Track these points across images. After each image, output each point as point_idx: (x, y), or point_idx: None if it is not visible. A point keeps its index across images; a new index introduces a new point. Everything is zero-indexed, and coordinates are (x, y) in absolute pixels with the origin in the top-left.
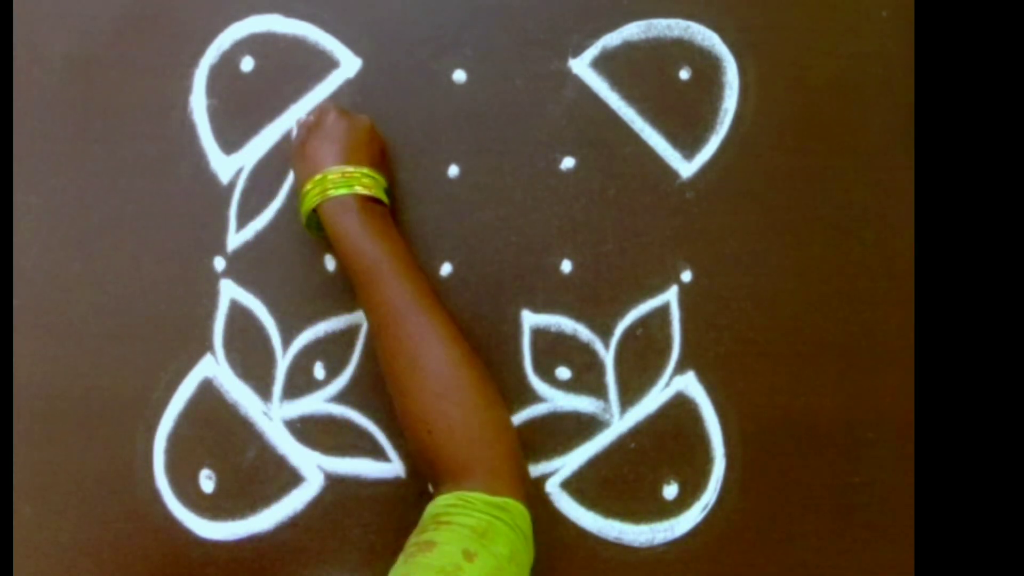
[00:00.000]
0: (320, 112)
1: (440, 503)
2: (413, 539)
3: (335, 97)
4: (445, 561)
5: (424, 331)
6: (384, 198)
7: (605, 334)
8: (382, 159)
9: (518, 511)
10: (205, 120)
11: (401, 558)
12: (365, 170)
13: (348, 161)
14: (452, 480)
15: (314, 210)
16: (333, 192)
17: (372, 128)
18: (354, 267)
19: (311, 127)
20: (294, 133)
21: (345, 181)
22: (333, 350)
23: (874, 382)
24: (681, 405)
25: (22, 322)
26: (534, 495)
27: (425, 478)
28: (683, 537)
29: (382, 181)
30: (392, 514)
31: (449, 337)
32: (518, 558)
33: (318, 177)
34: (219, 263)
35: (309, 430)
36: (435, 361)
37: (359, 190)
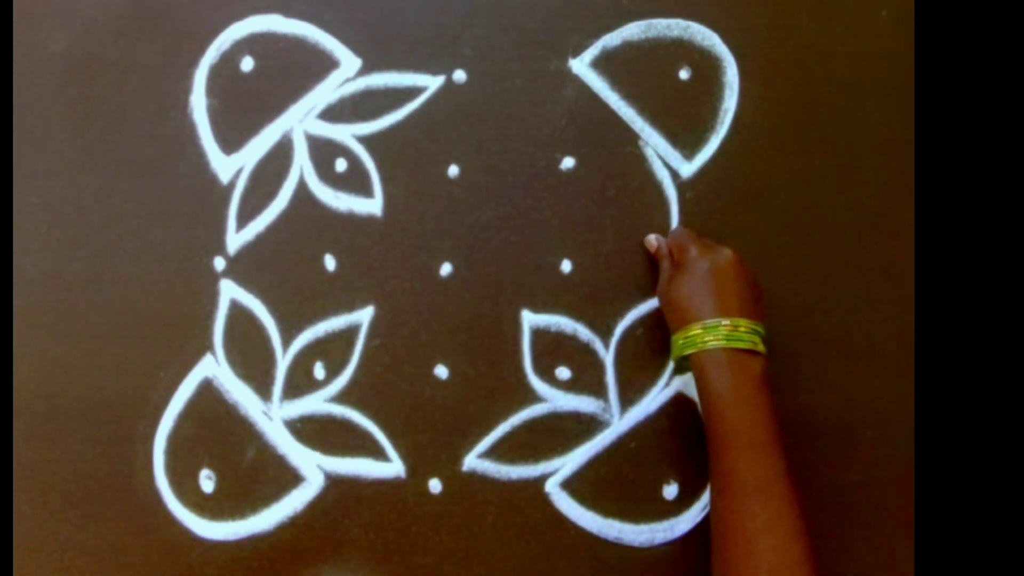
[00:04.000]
0: (680, 247)
1: None
2: None
3: (336, 96)
4: None
5: (770, 518)
6: (760, 348)
7: (605, 334)
8: (754, 297)
9: None
10: (205, 120)
11: None
12: (737, 321)
13: (719, 312)
14: None
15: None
16: (702, 346)
17: (737, 263)
18: (712, 428)
19: (676, 267)
20: (659, 261)
21: (714, 335)
22: (333, 350)
23: (874, 382)
24: (681, 405)
25: (22, 322)
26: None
27: None
28: (683, 537)
29: (755, 328)
30: (392, 514)
31: (793, 531)
32: None
33: (688, 329)
34: (219, 263)
35: (309, 430)
36: (774, 555)
37: (728, 344)
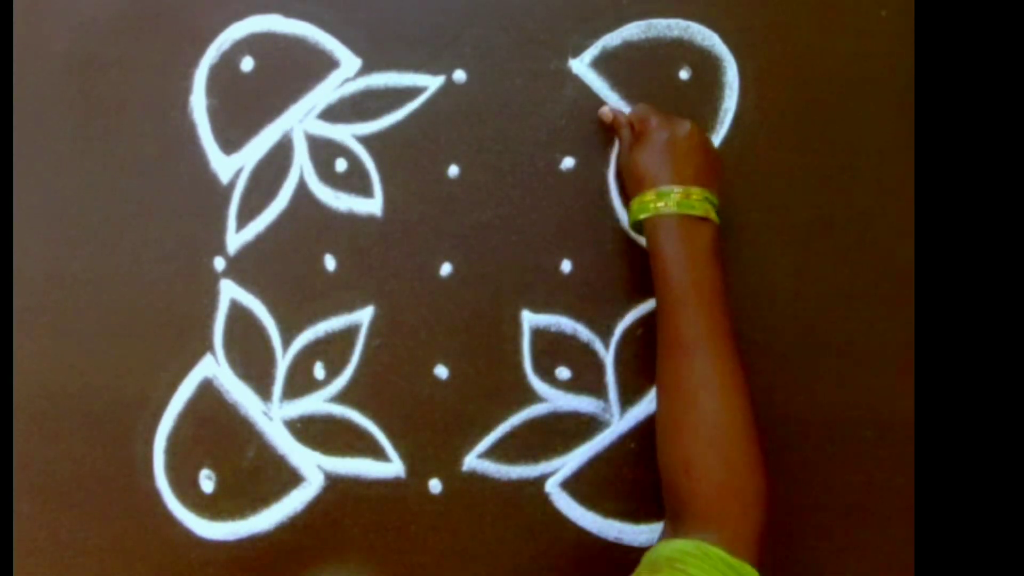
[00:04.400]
0: (641, 120)
1: (678, 546)
2: (643, 571)
3: (336, 96)
4: None
5: (709, 374)
6: (711, 216)
7: (605, 334)
8: (709, 168)
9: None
10: (205, 120)
11: None
12: (690, 188)
13: (673, 179)
14: (695, 527)
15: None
16: (655, 212)
17: (696, 134)
18: (660, 291)
19: (636, 138)
20: (618, 131)
21: (666, 202)
22: (333, 350)
23: (874, 382)
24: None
25: (22, 322)
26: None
27: (668, 511)
28: None
29: (708, 196)
30: (392, 514)
31: (734, 386)
32: None
33: (643, 195)
34: (219, 263)
35: (309, 430)
36: (713, 408)
37: (679, 210)
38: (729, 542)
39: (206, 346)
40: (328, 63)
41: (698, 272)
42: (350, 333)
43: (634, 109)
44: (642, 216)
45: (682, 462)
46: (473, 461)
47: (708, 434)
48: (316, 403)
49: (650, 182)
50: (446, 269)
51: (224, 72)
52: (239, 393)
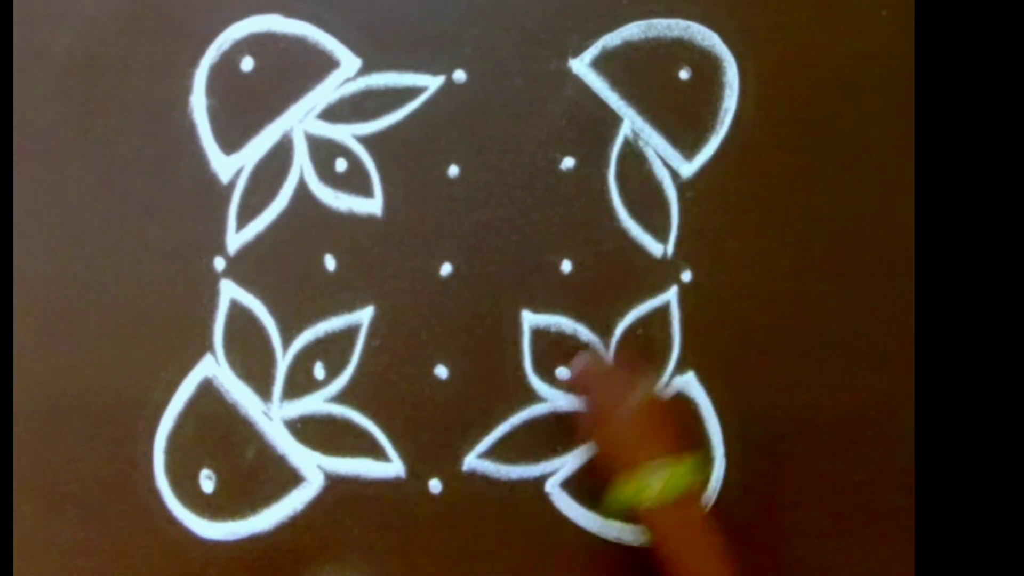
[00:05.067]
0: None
1: None
2: None
3: (336, 96)
4: None
5: None
6: (692, 485)
7: (605, 334)
8: (669, 432)
9: None
10: (205, 120)
11: None
12: (673, 468)
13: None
14: None
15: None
16: (643, 503)
17: (651, 403)
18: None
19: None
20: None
21: (648, 492)
22: (333, 350)
23: (874, 382)
24: (681, 405)
25: (22, 322)
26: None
27: None
28: None
29: (682, 473)
30: (392, 514)
31: None
32: None
33: (624, 485)
34: (219, 263)
35: (309, 430)
36: None
37: (666, 495)
38: None
39: (206, 346)
40: (328, 63)
41: (702, 556)
42: (350, 333)
43: (579, 373)
44: (619, 506)
45: None
46: (473, 461)
47: None
48: (316, 403)
49: (628, 465)
50: (446, 269)
51: (224, 72)
52: (239, 393)
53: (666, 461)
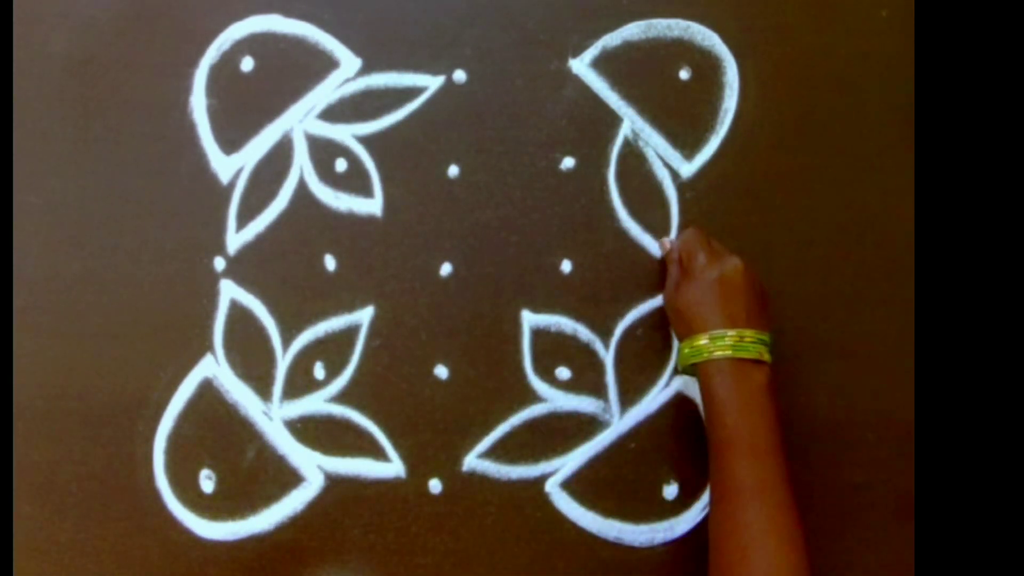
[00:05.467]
0: (688, 253)
1: None
2: None
3: (336, 96)
4: None
5: (765, 525)
6: (765, 357)
7: (605, 334)
8: (760, 308)
9: None
10: (205, 120)
11: None
12: (743, 331)
13: (725, 322)
14: None
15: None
16: (708, 357)
17: (745, 272)
18: (714, 435)
19: (683, 274)
20: (668, 264)
21: (719, 346)
22: (333, 350)
23: (874, 382)
24: (681, 405)
25: (22, 322)
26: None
27: None
28: (683, 537)
29: (761, 338)
30: (392, 514)
31: (789, 537)
32: None
33: (694, 339)
34: (219, 263)
35: (309, 430)
36: (767, 561)
37: (733, 354)
38: None
39: (206, 346)
40: (328, 63)
41: (754, 417)
42: (350, 333)
43: (683, 240)
44: (695, 360)
45: None
46: (473, 461)
47: None
48: (316, 403)
49: (700, 325)
50: (446, 269)
51: (224, 72)
52: (239, 393)
53: (742, 328)
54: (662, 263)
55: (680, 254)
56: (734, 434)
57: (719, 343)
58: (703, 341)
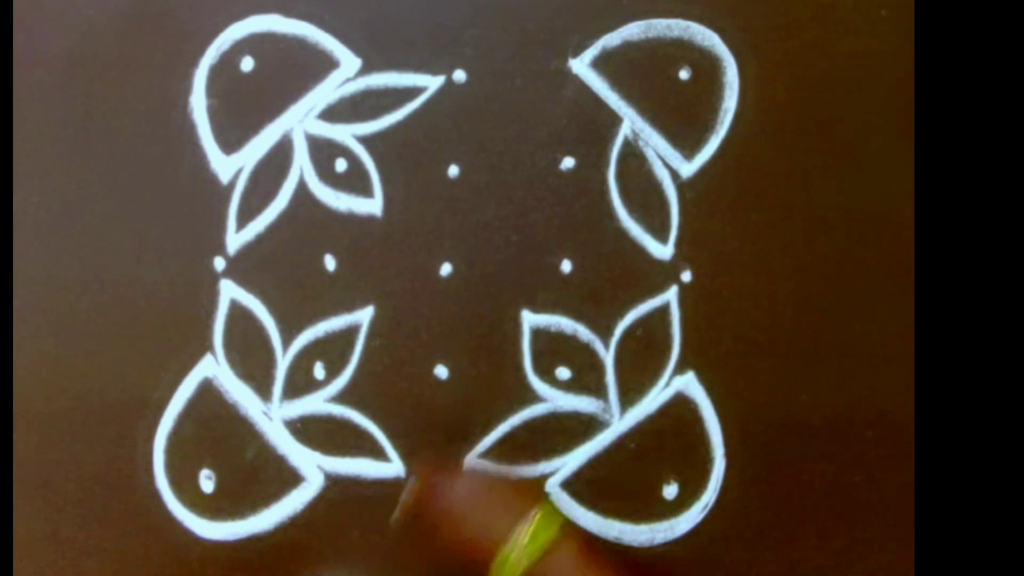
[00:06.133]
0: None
1: None
2: None
3: (336, 96)
4: None
5: None
6: (551, 537)
7: (605, 334)
8: (504, 498)
9: None
10: (205, 120)
11: None
12: (522, 535)
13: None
14: None
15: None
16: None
17: (463, 487)
18: None
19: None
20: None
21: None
22: (333, 350)
23: (874, 382)
24: (681, 405)
25: (22, 322)
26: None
27: None
28: (683, 537)
29: (535, 529)
30: (392, 514)
31: None
32: None
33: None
34: (219, 263)
35: (309, 430)
36: None
37: (535, 553)
38: None
39: (206, 346)
40: (328, 63)
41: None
42: (350, 333)
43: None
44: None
45: None
46: (473, 461)
47: None
48: (316, 403)
49: (487, 548)
50: (446, 269)
51: (224, 72)
52: (239, 393)
53: (519, 526)
54: (654, 261)
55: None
56: None
57: (525, 538)
58: (514, 544)
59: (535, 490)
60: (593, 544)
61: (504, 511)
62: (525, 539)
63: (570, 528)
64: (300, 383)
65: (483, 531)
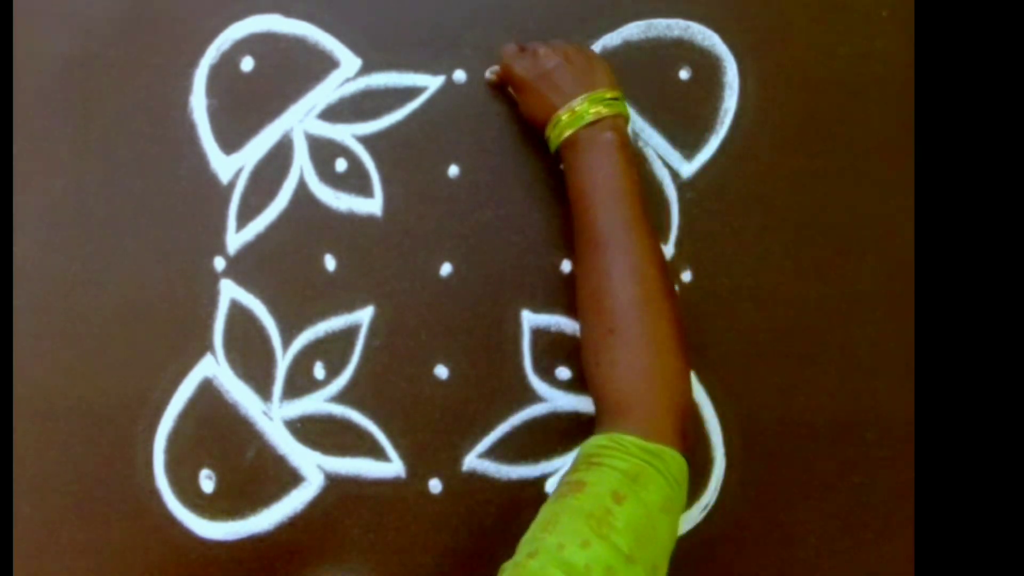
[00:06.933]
0: (523, 54)
1: (593, 443)
2: (564, 478)
3: (336, 96)
4: (594, 505)
5: (613, 266)
6: (625, 112)
7: None
8: (596, 70)
9: (673, 459)
10: (205, 120)
11: (551, 497)
12: (605, 90)
13: (589, 86)
14: (610, 420)
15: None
16: (556, 140)
17: (570, 50)
18: (580, 186)
19: (528, 60)
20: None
21: (594, 105)
22: (333, 350)
23: (874, 382)
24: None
25: (22, 322)
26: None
27: (595, 412)
28: (683, 537)
29: (597, 98)
30: (392, 514)
31: (638, 275)
32: (670, 506)
33: (570, 107)
34: (219, 263)
35: (309, 430)
36: (614, 298)
37: (608, 111)
38: (642, 428)
39: (206, 346)
40: (328, 63)
41: (618, 166)
42: (350, 333)
43: (509, 55)
44: (576, 127)
45: (591, 354)
46: (473, 461)
47: (608, 323)
48: (316, 403)
49: (568, 90)
50: (446, 269)
51: (224, 72)
52: (239, 393)
53: (592, 91)
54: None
55: (516, 66)
56: (599, 183)
57: (591, 104)
58: (579, 106)
59: (610, 75)
60: (633, 149)
61: (572, 80)
62: (579, 106)
63: (623, 123)
64: (300, 383)
65: (552, 94)
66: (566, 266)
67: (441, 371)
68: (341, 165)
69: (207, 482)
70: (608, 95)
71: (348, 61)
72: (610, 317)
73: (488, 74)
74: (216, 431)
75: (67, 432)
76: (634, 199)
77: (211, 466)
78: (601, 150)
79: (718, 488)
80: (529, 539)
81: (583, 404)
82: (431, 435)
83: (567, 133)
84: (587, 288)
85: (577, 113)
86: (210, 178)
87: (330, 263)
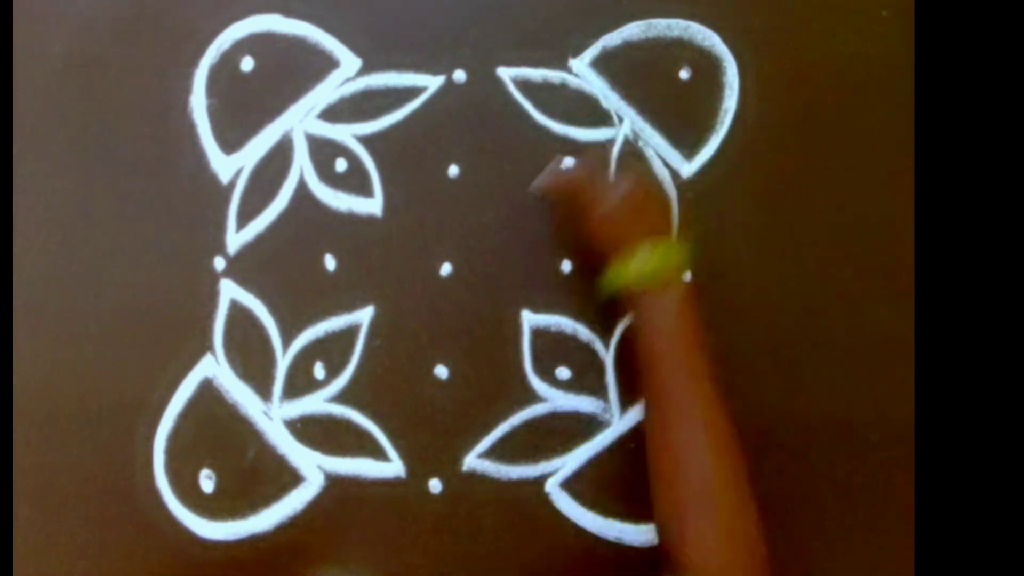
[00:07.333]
0: (590, 175)
1: None
2: None
3: (336, 96)
4: None
5: (694, 438)
6: (671, 267)
7: (605, 334)
8: (662, 217)
9: None
10: (205, 120)
11: None
12: (668, 242)
13: (651, 232)
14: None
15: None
16: (644, 272)
17: (642, 183)
18: (649, 348)
19: (593, 195)
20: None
21: (639, 266)
22: (333, 350)
23: (874, 382)
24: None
25: (22, 322)
26: None
27: (663, 555)
28: None
29: (670, 249)
30: (392, 514)
31: (721, 448)
32: None
33: (629, 256)
34: (219, 263)
35: (309, 430)
36: (699, 475)
37: (655, 272)
38: None
39: (206, 346)
40: (328, 63)
41: (687, 331)
42: (350, 333)
43: (573, 173)
44: (619, 284)
45: (674, 520)
46: (473, 461)
47: (696, 502)
48: (316, 403)
49: (630, 238)
50: (446, 269)
51: (224, 72)
52: (239, 393)
53: (657, 240)
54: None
55: (573, 186)
56: (670, 347)
57: (653, 256)
58: (641, 255)
59: (685, 222)
60: (700, 313)
61: (647, 222)
62: (652, 254)
63: (694, 283)
64: (300, 383)
65: (620, 228)
66: (566, 266)
67: (441, 371)
68: (341, 165)
69: (207, 482)
70: (676, 249)
71: (348, 61)
72: (698, 496)
73: (541, 181)
74: (216, 431)
75: (67, 432)
76: (713, 364)
77: (211, 466)
78: (691, 306)
79: None
80: None
81: (583, 404)
82: (431, 435)
83: (644, 274)
84: (667, 453)
85: (665, 256)
86: (210, 178)
87: (330, 263)
